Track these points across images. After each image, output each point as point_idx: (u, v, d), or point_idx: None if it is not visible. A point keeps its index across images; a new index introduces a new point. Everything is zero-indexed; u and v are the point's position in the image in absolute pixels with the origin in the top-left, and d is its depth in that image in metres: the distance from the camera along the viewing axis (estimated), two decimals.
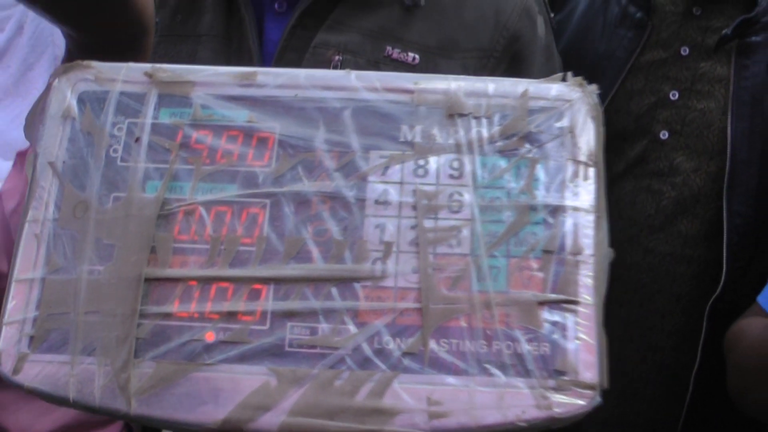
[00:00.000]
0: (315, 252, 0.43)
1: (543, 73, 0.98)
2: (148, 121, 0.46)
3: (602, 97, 1.18)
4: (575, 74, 1.18)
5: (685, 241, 1.15)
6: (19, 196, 0.64)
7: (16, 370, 0.42)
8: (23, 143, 0.79)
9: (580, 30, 1.22)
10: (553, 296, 0.42)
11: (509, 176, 0.44)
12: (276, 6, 0.94)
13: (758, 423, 1.23)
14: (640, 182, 1.16)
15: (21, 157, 0.67)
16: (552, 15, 1.13)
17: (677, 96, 1.14)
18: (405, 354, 0.41)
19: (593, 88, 0.47)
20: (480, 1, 0.95)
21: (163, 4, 0.95)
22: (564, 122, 0.45)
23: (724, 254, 1.11)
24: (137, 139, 0.46)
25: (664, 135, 1.15)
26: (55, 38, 0.98)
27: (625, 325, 1.19)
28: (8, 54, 0.96)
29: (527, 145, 0.44)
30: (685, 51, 1.15)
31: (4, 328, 0.42)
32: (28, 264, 0.43)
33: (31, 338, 0.42)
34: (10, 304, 0.43)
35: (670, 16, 1.16)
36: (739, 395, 1.02)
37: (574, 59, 1.20)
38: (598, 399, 0.41)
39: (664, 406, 1.21)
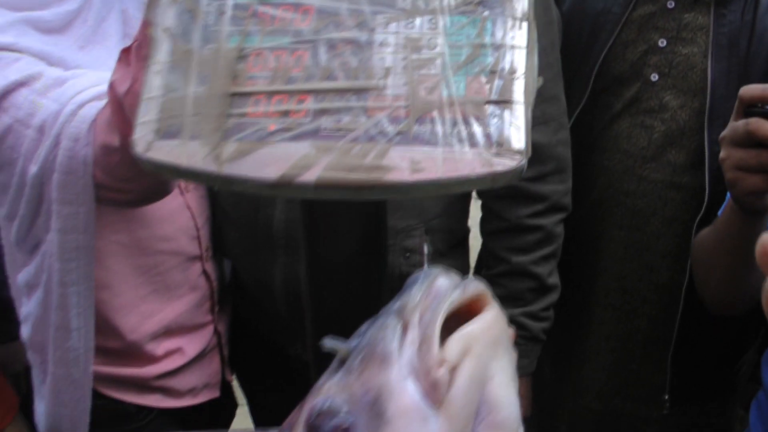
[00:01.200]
0: (340, 74, 0.69)
1: (540, 21, 1.23)
2: (230, 2, 0.73)
3: (601, 47, 1.44)
4: (578, 29, 1.43)
5: (674, 170, 1.38)
6: (127, 82, 0.89)
7: (146, 150, 0.68)
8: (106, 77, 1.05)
9: None
10: (496, 98, 0.67)
11: (468, 27, 0.69)
12: None
13: (742, 332, 1.44)
14: (634, 119, 1.40)
15: (125, 52, 0.91)
16: None
17: (665, 43, 1.38)
18: (398, 133, 0.66)
19: None
20: None
21: None
22: None
23: (706, 179, 1.33)
24: (223, 13, 0.72)
25: (654, 77, 1.38)
26: None
27: (624, 246, 1.41)
28: (84, 10, 1.23)
29: (481, 8, 0.70)
30: (671, 4, 1.38)
31: (138, 126, 0.69)
32: (152, 88, 0.70)
33: (156, 130, 0.69)
34: (142, 110, 0.69)
35: None
36: (702, 295, 1.23)
37: (578, 16, 1.45)
38: (524, 162, 0.66)
39: (660, 322, 1.42)
